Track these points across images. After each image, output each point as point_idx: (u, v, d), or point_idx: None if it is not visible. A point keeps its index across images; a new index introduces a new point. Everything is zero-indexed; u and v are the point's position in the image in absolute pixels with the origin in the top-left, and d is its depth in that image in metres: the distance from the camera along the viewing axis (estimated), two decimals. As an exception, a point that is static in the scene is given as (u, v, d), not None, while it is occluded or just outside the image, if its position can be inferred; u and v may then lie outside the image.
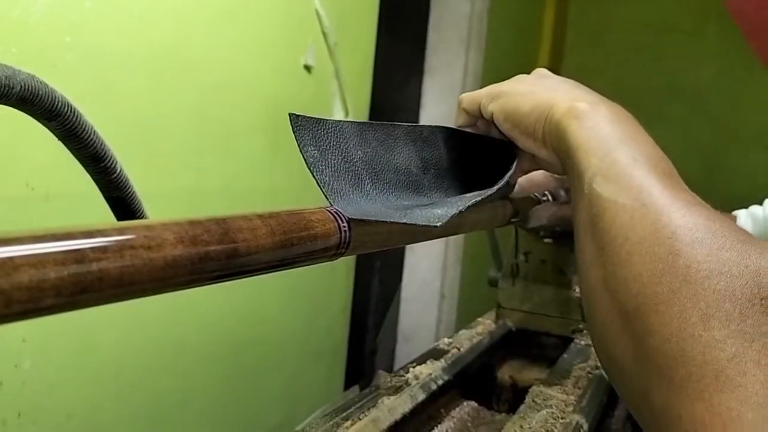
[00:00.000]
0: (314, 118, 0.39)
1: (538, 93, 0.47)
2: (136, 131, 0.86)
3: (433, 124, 0.51)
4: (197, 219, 0.23)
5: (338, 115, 1.34)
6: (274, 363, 1.26)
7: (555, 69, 0.64)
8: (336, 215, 0.33)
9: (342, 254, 0.34)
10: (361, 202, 0.39)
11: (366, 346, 2.07)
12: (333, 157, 0.39)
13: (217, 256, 0.23)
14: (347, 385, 1.61)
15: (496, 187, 0.47)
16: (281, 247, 0.28)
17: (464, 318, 2.07)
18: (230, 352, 1.12)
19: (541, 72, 0.52)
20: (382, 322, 2.13)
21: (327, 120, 0.40)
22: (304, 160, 0.37)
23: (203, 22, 0.95)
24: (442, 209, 0.39)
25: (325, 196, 0.37)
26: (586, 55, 2.67)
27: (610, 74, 2.48)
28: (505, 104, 0.49)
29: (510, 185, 0.56)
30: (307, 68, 1.22)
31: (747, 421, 0.25)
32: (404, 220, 0.36)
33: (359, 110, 1.44)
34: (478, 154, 0.53)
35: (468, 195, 0.45)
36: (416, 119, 2.00)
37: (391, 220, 0.35)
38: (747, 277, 0.28)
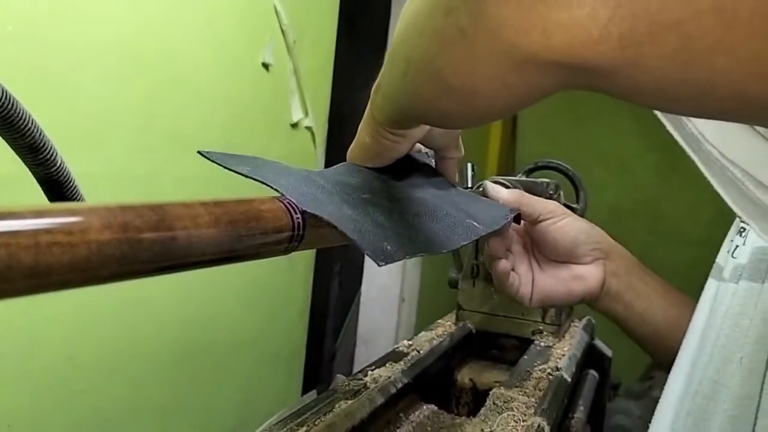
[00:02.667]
0: (227, 153, 0.37)
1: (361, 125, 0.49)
2: (83, 124, 0.82)
3: (344, 163, 0.50)
4: (130, 204, 0.21)
5: (297, 114, 1.32)
6: (229, 367, 1.22)
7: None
8: (289, 206, 0.30)
9: (295, 248, 0.31)
10: (315, 192, 0.36)
11: (325, 350, 2.04)
12: (268, 171, 0.37)
13: (151, 245, 0.21)
14: (305, 390, 1.58)
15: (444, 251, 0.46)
16: (227, 238, 0.25)
17: (424, 322, 2.06)
18: (184, 355, 1.08)
19: None
20: (342, 326, 2.10)
21: (242, 155, 0.38)
22: (242, 175, 0.35)
23: (157, 15, 0.92)
24: (393, 243, 0.37)
25: (276, 190, 0.34)
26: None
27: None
28: (355, 157, 0.50)
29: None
30: (265, 66, 1.19)
31: None
32: (355, 238, 0.34)
33: (318, 110, 1.42)
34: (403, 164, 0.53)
35: (423, 232, 0.43)
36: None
37: (343, 230, 0.33)
38: None
